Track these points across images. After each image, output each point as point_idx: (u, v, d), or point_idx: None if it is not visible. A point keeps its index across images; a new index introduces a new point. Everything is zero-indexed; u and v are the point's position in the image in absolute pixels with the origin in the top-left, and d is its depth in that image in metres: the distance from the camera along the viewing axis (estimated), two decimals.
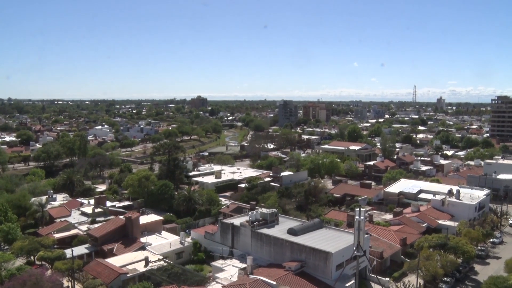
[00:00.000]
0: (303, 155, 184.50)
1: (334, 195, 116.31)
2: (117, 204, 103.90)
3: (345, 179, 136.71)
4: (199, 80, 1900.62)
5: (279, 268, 61.86)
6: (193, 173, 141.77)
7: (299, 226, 69.98)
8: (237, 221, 75.37)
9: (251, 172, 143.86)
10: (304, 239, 65.42)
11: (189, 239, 79.32)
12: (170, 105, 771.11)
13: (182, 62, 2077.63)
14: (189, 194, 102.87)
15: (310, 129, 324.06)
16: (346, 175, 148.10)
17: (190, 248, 76.23)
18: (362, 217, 48.87)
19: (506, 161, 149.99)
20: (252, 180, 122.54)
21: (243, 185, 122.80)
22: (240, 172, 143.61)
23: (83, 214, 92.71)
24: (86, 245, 75.45)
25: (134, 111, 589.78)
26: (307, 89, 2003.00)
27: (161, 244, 74.76)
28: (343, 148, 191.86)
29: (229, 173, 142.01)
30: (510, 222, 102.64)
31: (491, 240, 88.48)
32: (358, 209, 49.79)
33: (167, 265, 64.15)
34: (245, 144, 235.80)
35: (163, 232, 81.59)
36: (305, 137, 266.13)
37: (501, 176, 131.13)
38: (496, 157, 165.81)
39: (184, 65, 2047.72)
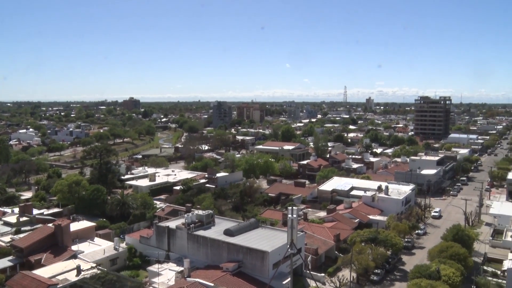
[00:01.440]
0: (238, 155, 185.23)
1: (269, 194, 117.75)
2: (45, 211, 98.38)
3: (279, 179, 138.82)
4: (131, 82, 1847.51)
5: (216, 269, 61.63)
6: (126, 176, 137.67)
7: (235, 227, 70.14)
8: (172, 224, 74.21)
9: (186, 174, 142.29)
10: (241, 240, 65.67)
11: (123, 245, 76.90)
12: (101, 107, 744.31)
13: (113, 63, 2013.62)
14: (122, 198, 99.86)
15: (245, 129, 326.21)
16: (281, 174, 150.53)
17: (124, 253, 73.96)
18: (294, 215, 49.87)
19: (428, 158, 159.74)
20: (187, 182, 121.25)
21: (178, 188, 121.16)
22: (175, 174, 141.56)
23: (6, 224, 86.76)
24: (10, 257, 70.71)
25: (62, 114, 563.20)
26: (241, 90, 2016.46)
27: (94, 251, 71.89)
28: (277, 148, 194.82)
29: (163, 175, 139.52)
30: (433, 214, 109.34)
31: (416, 231, 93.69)
32: (290, 207, 50.73)
33: (101, 272, 61.77)
34: (180, 146, 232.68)
35: (96, 239, 78.45)
36: (239, 137, 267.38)
37: (424, 172, 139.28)
38: (420, 153, 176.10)
39: (115, 66, 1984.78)
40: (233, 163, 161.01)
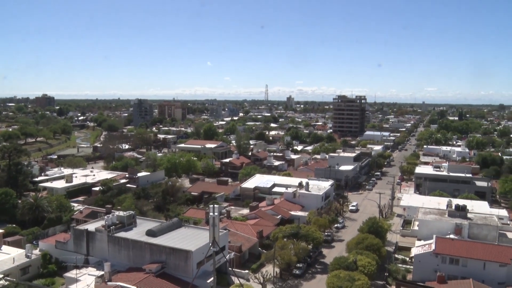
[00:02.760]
0: (159, 154, 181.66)
1: (192, 193, 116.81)
2: None
3: (202, 177, 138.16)
4: (45, 78, 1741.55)
5: (139, 271, 60.02)
6: (40, 178, 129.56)
7: (158, 227, 68.76)
8: (92, 226, 71.09)
9: (106, 174, 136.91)
10: (164, 240, 64.53)
11: (37, 251, 72.23)
12: (10, 104, 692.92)
13: (24, 58, 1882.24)
14: (35, 201, 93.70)
15: (166, 128, 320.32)
16: (203, 173, 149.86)
17: (38, 261, 69.47)
18: (216, 213, 49.91)
19: (346, 154, 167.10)
20: (107, 183, 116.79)
21: (97, 188, 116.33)
22: (94, 175, 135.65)
23: None
24: None
25: None
26: (163, 88, 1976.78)
27: (2, 260, 66.83)
28: (200, 146, 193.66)
29: (81, 176, 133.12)
30: (350, 208, 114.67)
31: (336, 225, 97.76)
32: (212, 205, 50.77)
33: (10, 283, 57.61)
34: (98, 145, 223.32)
35: (4, 247, 72.87)
36: (161, 136, 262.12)
37: (342, 168, 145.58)
38: (338, 150, 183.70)
39: (26, 61, 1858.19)
40: (154, 162, 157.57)
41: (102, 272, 59.52)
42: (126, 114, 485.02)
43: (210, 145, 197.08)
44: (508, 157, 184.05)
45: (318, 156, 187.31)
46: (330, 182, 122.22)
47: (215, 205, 52.17)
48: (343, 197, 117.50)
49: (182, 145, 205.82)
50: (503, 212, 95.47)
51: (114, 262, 63.57)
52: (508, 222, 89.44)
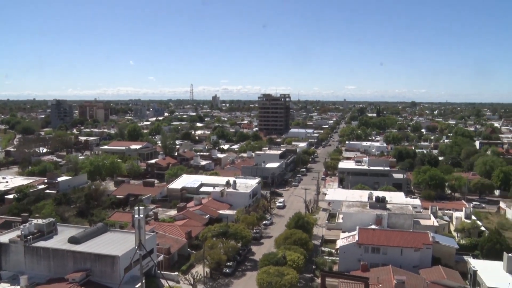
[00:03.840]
0: (81, 157, 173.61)
1: (117, 196, 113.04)
2: None
3: (127, 179, 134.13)
4: None
5: (61, 282, 56.90)
6: None
7: (81, 233, 65.62)
8: (5, 237, 66.15)
9: (21, 181, 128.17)
10: (88, 246, 61.71)
11: None
12: None
13: None
14: None
15: (88, 129, 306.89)
16: (129, 175, 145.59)
17: None
18: (141, 216, 48.70)
19: (272, 152, 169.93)
20: (23, 189, 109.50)
21: (11, 196, 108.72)
22: (7, 182, 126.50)
23: None
24: None
25: None
26: (83, 87, 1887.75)
27: None
28: (124, 147, 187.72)
29: None
30: (277, 204, 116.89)
31: (264, 222, 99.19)
32: (136, 207, 49.44)
33: None
34: (12, 150, 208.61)
35: None
36: (82, 138, 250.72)
37: (269, 165, 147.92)
38: (264, 148, 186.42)
39: None
40: (76, 165, 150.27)
41: (18, 287, 55.75)
42: (43, 116, 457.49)
43: (135, 146, 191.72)
44: (420, 150, 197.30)
45: (245, 155, 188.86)
46: (257, 179, 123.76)
47: (141, 207, 50.97)
48: (278, 194, 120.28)
49: (106, 147, 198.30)
50: (417, 201, 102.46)
51: (32, 275, 59.70)
52: (421, 211, 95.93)
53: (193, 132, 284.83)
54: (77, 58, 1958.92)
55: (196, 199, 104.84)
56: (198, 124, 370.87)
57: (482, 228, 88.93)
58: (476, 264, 67.08)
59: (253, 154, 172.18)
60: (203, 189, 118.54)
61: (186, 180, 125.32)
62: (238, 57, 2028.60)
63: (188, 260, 73.35)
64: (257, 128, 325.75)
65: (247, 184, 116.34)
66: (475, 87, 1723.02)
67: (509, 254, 65.06)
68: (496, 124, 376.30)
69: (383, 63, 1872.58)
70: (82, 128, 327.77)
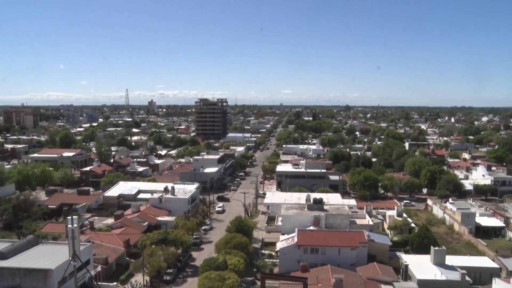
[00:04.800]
0: (7, 166, 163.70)
1: (49, 206, 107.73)
2: None
3: (60, 188, 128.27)
4: None
5: None
6: None
7: (8, 248, 61.77)
8: None
9: None
10: (17, 261, 58.19)
11: None
12: None
13: None
14: None
15: (15, 137, 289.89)
16: (62, 183, 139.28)
17: None
18: (75, 225, 46.86)
19: (210, 157, 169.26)
20: None
21: None
22: None
23: None
24: None
25: None
26: (8, 92, 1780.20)
27: None
28: (56, 155, 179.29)
29: None
30: (217, 209, 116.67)
31: (203, 227, 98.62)
32: (69, 217, 47.50)
33: None
34: None
35: None
36: (8, 146, 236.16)
37: (207, 170, 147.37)
38: (202, 153, 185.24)
39: None
40: (2, 175, 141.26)
41: None
42: None
43: (68, 153, 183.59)
44: (354, 152, 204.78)
45: (183, 160, 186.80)
46: (196, 185, 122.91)
47: (75, 217, 49.02)
48: (225, 199, 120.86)
49: (36, 154, 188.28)
50: (353, 202, 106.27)
51: None
52: (357, 210, 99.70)
53: (129, 138, 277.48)
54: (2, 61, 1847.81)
55: (133, 206, 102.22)
56: (135, 130, 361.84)
57: (413, 225, 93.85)
58: (407, 259, 70.80)
59: (191, 159, 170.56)
60: (140, 196, 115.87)
61: (123, 187, 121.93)
62: (174, 61, 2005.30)
63: (127, 269, 71.36)
64: (194, 133, 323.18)
65: (186, 190, 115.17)
66: (404, 92, 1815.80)
67: (436, 248, 69.41)
68: (423, 126, 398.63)
69: (319, 68, 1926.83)
70: (8, 135, 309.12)
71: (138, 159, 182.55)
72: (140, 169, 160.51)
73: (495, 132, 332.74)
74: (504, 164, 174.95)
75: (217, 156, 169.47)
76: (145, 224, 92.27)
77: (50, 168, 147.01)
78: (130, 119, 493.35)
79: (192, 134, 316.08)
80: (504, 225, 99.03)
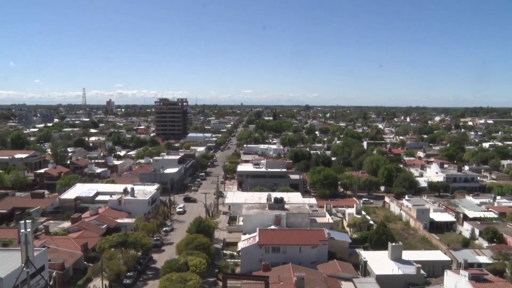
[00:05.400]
0: None
1: (0, 211, 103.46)
2: None
3: (12, 192, 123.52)
4: None
5: None
6: None
7: None
8: None
9: None
10: None
11: None
12: None
13: None
14: None
15: None
16: (13, 187, 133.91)
17: None
18: (28, 230, 45.13)
19: (170, 157, 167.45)
20: None
21: None
22: None
23: None
24: None
25: None
26: None
27: None
28: (7, 157, 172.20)
29: None
30: (177, 210, 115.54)
31: (164, 229, 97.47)
32: (22, 222, 45.75)
33: None
34: None
35: None
36: None
37: (167, 171, 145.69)
38: (162, 153, 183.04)
39: None
40: None
41: None
42: None
43: (21, 155, 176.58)
44: (314, 151, 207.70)
45: (142, 161, 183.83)
46: (156, 186, 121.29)
47: (28, 221, 47.28)
48: (192, 200, 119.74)
49: None
50: (313, 200, 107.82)
51: None
52: (317, 209, 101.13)
53: (86, 139, 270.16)
54: None
55: (92, 209, 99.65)
56: (92, 130, 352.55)
57: (371, 222, 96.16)
58: (366, 255, 72.51)
59: (151, 160, 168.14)
60: (99, 198, 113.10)
61: (80, 190, 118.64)
62: (132, 60, 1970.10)
63: (85, 274, 69.39)
64: (154, 133, 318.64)
65: (146, 191, 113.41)
66: (362, 92, 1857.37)
67: (393, 244, 71.54)
68: (380, 126, 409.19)
69: (279, 68, 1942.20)
70: None
71: (96, 160, 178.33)
72: (99, 170, 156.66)
73: (447, 131, 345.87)
74: (455, 161, 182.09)
75: (178, 157, 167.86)
76: (104, 226, 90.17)
77: (1, 171, 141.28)
78: (88, 119, 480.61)
79: (152, 135, 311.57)
80: (455, 219, 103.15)
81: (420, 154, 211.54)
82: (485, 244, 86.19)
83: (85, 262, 73.97)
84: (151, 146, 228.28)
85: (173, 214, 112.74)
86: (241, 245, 75.04)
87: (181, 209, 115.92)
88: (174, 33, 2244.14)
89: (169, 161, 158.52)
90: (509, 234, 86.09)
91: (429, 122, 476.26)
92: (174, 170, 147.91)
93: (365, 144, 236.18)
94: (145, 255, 78.68)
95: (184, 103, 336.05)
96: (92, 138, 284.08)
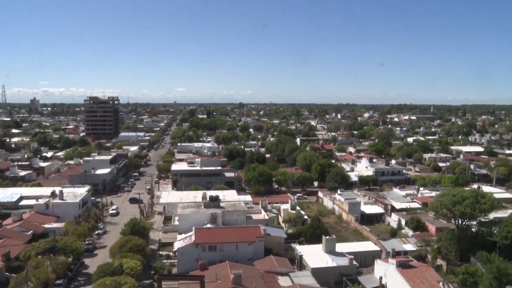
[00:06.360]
0: None
1: None
2: None
3: None
4: None
5: None
6: None
7: None
8: None
9: None
10: None
11: None
12: None
13: None
14: None
15: None
16: None
17: None
18: None
19: (101, 157, 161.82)
20: None
21: None
22: None
23: None
24: None
25: None
26: None
27: None
28: None
29: None
30: (110, 212, 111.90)
31: (97, 232, 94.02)
32: None
33: None
34: None
35: None
36: None
37: (99, 171, 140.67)
38: (93, 154, 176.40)
39: None
40: None
41: None
42: None
43: None
44: (249, 149, 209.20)
45: (72, 162, 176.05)
46: (87, 187, 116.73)
47: None
48: (137, 201, 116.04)
49: None
50: (248, 198, 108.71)
51: None
52: (253, 206, 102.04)
53: (8, 140, 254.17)
54: None
55: (15, 214, 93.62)
56: (15, 131, 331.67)
57: (305, 217, 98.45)
58: (301, 249, 74.28)
59: (81, 161, 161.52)
60: (23, 202, 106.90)
61: (1, 194, 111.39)
62: (58, 56, 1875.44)
63: (7, 285, 65.20)
64: (84, 133, 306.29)
65: (76, 193, 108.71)
66: (295, 90, 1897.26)
67: (327, 237, 73.88)
68: (313, 123, 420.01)
69: (213, 66, 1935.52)
70: None
71: (20, 163, 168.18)
72: (22, 173, 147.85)
73: (375, 127, 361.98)
74: (383, 156, 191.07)
75: (109, 157, 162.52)
76: (29, 233, 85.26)
77: None
78: (9, 119, 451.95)
79: (81, 134, 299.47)
80: (384, 211, 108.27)
81: (351, 149, 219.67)
82: (410, 233, 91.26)
83: (7, 273, 69.23)
84: (81, 146, 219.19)
85: (106, 216, 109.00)
86: (177, 245, 74.05)
87: (114, 211, 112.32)
88: (103, 29, 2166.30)
89: (101, 161, 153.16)
90: (430, 223, 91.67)
91: (359, 118, 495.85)
92: (106, 170, 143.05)
93: (298, 140, 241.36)
94: (76, 261, 75.38)
95: (116, 102, 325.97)
96: (15, 139, 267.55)
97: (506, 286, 57.01)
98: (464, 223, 77.14)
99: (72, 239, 77.47)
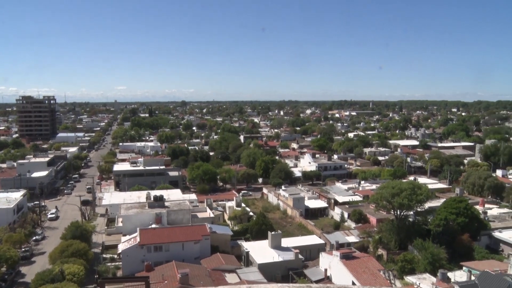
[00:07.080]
0: None
1: None
2: None
3: None
4: None
5: None
6: None
7: None
8: None
9: None
10: None
11: None
12: None
13: None
14: None
15: None
16: None
17: None
18: None
19: (38, 160, 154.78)
20: None
21: None
22: None
23: None
24: None
25: None
26: None
27: None
28: None
29: None
30: (49, 216, 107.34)
31: (34, 238, 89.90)
32: None
33: None
34: None
35: None
36: None
37: (35, 174, 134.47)
38: (29, 156, 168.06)
39: None
40: None
41: None
42: None
43: None
44: (192, 147, 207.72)
45: (4, 165, 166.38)
46: (22, 192, 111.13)
47: None
48: (89, 203, 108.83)
49: None
50: (193, 196, 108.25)
51: None
52: (198, 204, 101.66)
53: None
54: None
55: None
56: None
57: (251, 214, 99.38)
58: (248, 246, 75.02)
59: (15, 164, 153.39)
60: None
61: None
62: None
63: None
64: (17, 135, 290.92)
65: (10, 198, 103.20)
66: (237, 87, 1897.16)
67: (272, 233, 75.05)
68: (256, 120, 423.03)
69: (153, 63, 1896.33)
70: None
71: None
72: None
73: (317, 123, 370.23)
74: (325, 151, 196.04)
75: (47, 159, 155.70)
76: None
77: None
78: None
79: (14, 136, 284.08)
80: (327, 205, 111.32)
81: (294, 145, 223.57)
82: (353, 225, 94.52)
83: None
84: (14, 148, 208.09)
85: (44, 221, 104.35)
86: (121, 247, 72.40)
87: (53, 215, 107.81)
88: (35, 25, 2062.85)
89: (37, 164, 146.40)
90: (371, 214, 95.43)
91: (301, 115, 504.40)
92: (43, 173, 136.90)
93: (242, 138, 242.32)
94: (11, 270, 71.69)
95: (52, 101, 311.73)
96: None
97: (439, 269, 60.65)
98: (402, 214, 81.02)
99: (6, 247, 73.56)
